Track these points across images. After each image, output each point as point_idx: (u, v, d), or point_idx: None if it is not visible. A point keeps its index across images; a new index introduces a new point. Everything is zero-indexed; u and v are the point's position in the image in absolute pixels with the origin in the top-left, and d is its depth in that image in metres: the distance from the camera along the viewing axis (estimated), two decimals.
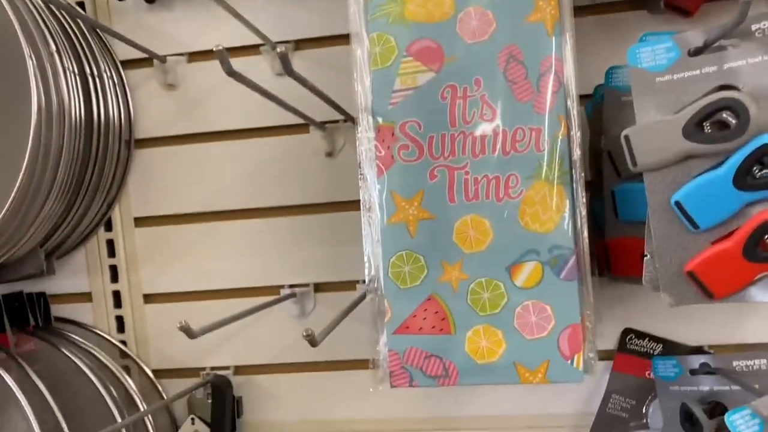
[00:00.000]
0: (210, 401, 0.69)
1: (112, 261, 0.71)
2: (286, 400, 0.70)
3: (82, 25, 0.65)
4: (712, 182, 0.42)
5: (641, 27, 0.61)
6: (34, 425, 0.55)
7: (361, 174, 0.50)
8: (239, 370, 0.71)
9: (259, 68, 0.67)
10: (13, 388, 0.57)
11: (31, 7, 0.58)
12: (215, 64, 0.69)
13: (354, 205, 0.67)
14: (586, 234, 0.48)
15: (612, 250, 0.56)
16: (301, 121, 0.66)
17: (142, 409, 0.66)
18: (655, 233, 0.44)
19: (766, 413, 0.47)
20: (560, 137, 0.48)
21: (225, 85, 0.68)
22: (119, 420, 0.62)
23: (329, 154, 0.67)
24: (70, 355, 0.65)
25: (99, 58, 0.65)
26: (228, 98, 0.68)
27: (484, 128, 0.49)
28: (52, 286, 0.72)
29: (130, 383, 0.68)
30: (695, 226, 0.43)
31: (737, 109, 0.41)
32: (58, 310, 0.73)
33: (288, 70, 0.42)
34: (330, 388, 0.69)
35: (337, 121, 0.66)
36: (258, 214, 0.69)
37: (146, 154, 0.70)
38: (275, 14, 0.66)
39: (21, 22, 0.53)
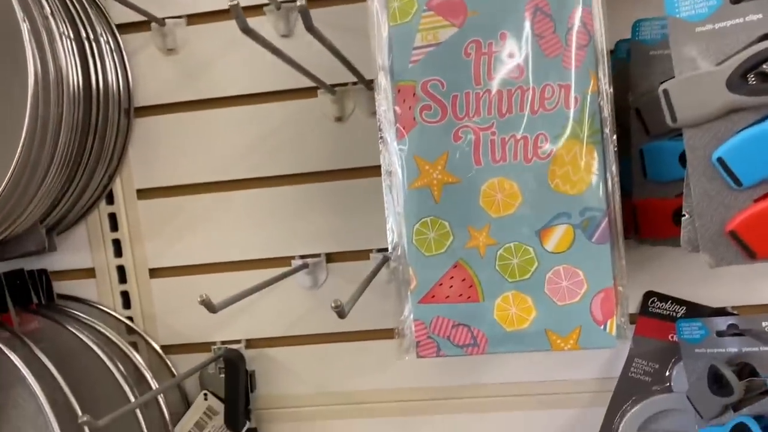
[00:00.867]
0: (222, 376, 0.67)
1: (115, 235, 0.69)
2: (301, 372, 0.69)
3: None
4: (758, 137, 0.40)
5: None
6: (44, 404, 0.53)
7: (381, 137, 0.48)
8: (251, 343, 0.69)
9: (263, 30, 0.64)
10: (20, 367, 0.54)
11: None
12: (217, 27, 0.66)
13: (365, 171, 0.65)
14: (618, 195, 0.46)
15: (640, 211, 0.54)
16: (308, 84, 0.63)
17: (153, 385, 0.64)
18: (695, 191, 0.42)
19: None
20: (590, 93, 0.46)
21: (228, 48, 0.65)
22: (131, 397, 0.60)
23: (339, 119, 0.64)
24: (76, 332, 0.63)
25: (95, 22, 0.61)
26: (231, 62, 0.65)
27: (510, 86, 0.46)
28: (53, 262, 0.70)
29: (139, 359, 0.66)
30: (738, 183, 0.41)
31: None
32: (60, 287, 0.70)
33: (308, 25, 0.39)
34: (345, 359, 0.68)
35: (346, 84, 0.63)
36: (265, 183, 0.66)
37: (147, 122, 0.67)
38: None
39: None
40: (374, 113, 0.62)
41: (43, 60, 0.52)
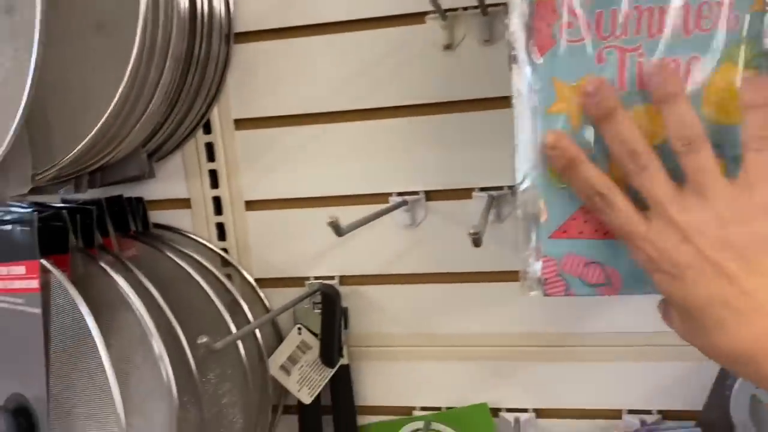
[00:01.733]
0: (316, 311, 0.66)
1: (212, 165, 0.67)
2: (395, 312, 0.67)
3: None
4: None
5: None
6: (150, 327, 0.53)
7: (513, 56, 0.44)
8: (344, 280, 0.68)
9: None
10: (127, 291, 0.54)
11: None
12: None
13: (474, 104, 0.61)
14: None
15: None
16: (415, 9, 0.60)
17: (249, 317, 0.64)
18: None
19: None
20: (753, 12, 0.41)
21: None
22: (231, 326, 0.60)
23: (447, 47, 0.60)
24: (176, 259, 0.62)
25: None
26: None
27: (662, 2, 0.42)
28: (148, 191, 0.69)
29: (235, 291, 0.65)
30: None
31: None
32: (155, 216, 0.70)
33: None
34: (442, 300, 0.66)
35: (456, 10, 0.59)
36: (366, 116, 0.64)
37: (246, 50, 0.65)
38: None
39: None
40: (487, 41, 0.59)
41: None
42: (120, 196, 0.66)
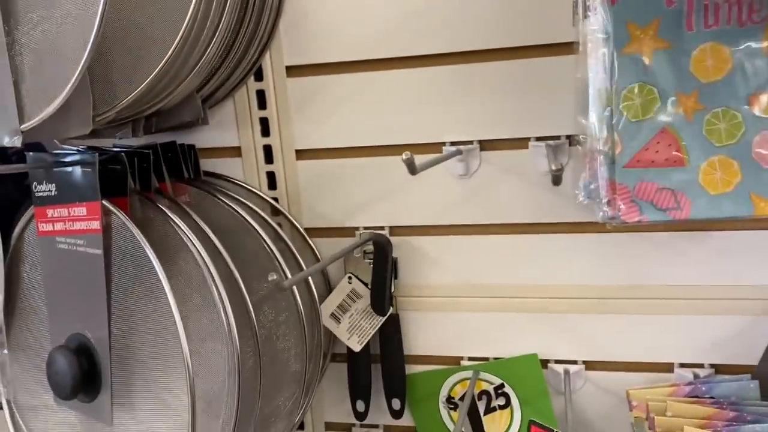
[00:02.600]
0: (366, 261, 0.67)
1: (263, 113, 0.67)
2: (445, 262, 0.67)
3: None
4: None
5: None
6: (212, 271, 0.53)
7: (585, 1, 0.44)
8: (394, 230, 0.68)
9: None
10: (188, 234, 0.55)
11: None
12: None
13: (532, 50, 0.60)
14: None
15: None
16: None
17: (301, 264, 0.64)
18: None
19: None
20: None
21: None
22: (287, 272, 0.60)
23: None
24: (231, 204, 0.63)
25: None
26: None
27: None
28: (199, 139, 0.70)
29: (286, 239, 0.65)
30: None
31: None
32: (206, 164, 0.71)
33: None
34: (494, 252, 0.66)
35: None
36: (420, 63, 0.63)
37: None
38: None
39: None
40: None
41: None
42: (173, 142, 0.66)
